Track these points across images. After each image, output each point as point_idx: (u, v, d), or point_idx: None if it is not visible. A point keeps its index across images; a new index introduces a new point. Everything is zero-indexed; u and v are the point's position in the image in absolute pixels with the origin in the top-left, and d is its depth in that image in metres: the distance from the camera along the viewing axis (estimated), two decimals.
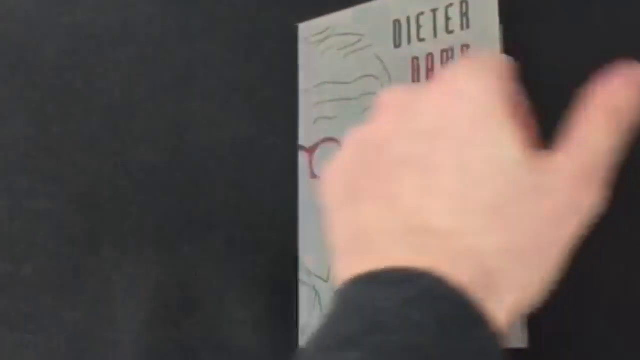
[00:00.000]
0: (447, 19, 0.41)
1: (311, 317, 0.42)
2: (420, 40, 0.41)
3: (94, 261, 0.43)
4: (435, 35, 0.41)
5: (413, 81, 0.41)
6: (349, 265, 0.29)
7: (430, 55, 0.41)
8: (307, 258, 0.43)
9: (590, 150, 0.28)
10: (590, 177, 0.27)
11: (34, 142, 0.44)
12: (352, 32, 0.44)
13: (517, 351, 0.40)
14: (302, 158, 0.44)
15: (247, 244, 0.44)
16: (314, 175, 0.44)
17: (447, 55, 0.40)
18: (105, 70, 0.45)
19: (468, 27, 0.40)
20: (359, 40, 0.44)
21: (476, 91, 0.28)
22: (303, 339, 0.42)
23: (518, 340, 0.41)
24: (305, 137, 0.45)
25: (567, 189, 0.27)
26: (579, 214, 0.27)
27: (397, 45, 0.42)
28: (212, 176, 0.44)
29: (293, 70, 0.46)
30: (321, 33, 0.45)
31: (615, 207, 0.41)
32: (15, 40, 0.46)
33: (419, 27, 0.42)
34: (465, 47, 0.40)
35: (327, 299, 0.41)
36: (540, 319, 0.42)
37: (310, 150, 0.44)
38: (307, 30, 0.46)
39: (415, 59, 0.41)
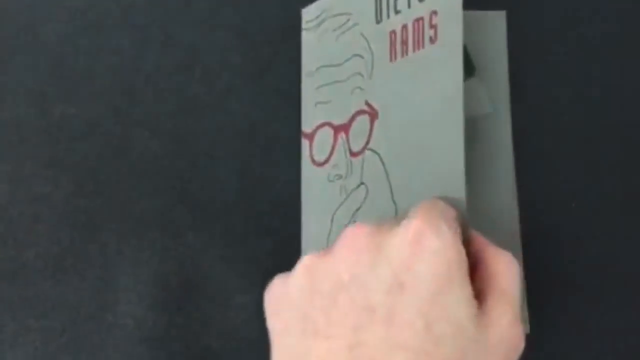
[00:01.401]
0: None
1: None
2: (397, 12, 0.39)
3: (96, 246, 0.43)
4: (409, 5, 0.39)
5: (391, 56, 0.39)
6: None
7: (404, 27, 0.39)
8: (309, 245, 0.42)
9: (513, 298, 0.31)
10: (519, 320, 0.31)
11: (35, 126, 0.45)
12: (343, 12, 0.43)
13: None
14: (304, 144, 0.44)
15: (249, 230, 0.44)
16: (313, 161, 0.43)
17: (419, 24, 0.38)
18: (107, 55, 0.46)
19: None
20: (348, 20, 0.42)
21: (439, 249, 0.29)
22: None
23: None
24: (306, 122, 0.44)
25: (508, 337, 0.30)
26: (518, 353, 0.31)
27: (379, 20, 0.40)
28: (215, 162, 0.44)
29: (297, 56, 0.46)
30: (318, 16, 0.45)
31: (617, 202, 0.41)
32: (16, 23, 0.46)
33: None
34: (433, 13, 0.37)
35: None
36: (543, 306, 0.42)
37: (311, 136, 0.44)
38: (308, 14, 0.45)
39: (393, 32, 0.39)
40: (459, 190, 0.34)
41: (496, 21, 0.45)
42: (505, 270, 0.32)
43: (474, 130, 0.44)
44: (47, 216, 0.43)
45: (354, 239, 0.31)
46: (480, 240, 0.33)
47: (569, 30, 0.45)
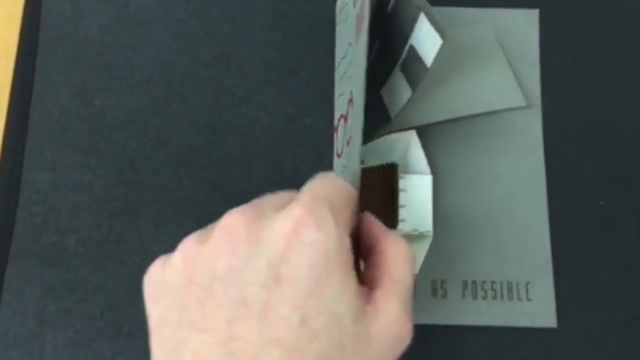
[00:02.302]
0: None
1: None
2: None
3: (134, 233, 0.44)
4: None
5: (355, 39, 0.38)
6: None
7: (362, 7, 0.37)
8: None
9: (403, 287, 0.29)
10: (408, 311, 0.29)
11: (76, 116, 0.45)
12: (347, 1, 0.42)
13: (546, 330, 0.41)
14: (334, 138, 0.44)
15: None
16: (337, 154, 0.44)
17: (363, 2, 0.36)
18: (145, 47, 0.46)
19: None
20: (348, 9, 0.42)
21: (318, 240, 0.27)
22: None
23: (548, 320, 0.41)
24: (335, 116, 0.45)
25: (393, 330, 0.28)
26: (403, 346, 0.29)
27: (354, 4, 0.39)
28: (249, 153, 0.45)
29: (330, 50, 0.46)
30: (341, 9, 0.45)
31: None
32: (58, 15, 0.47)
33: None
34: None
35: None
36: (570, 302, 0.42)
37: (336, 129, 0.44)
38: (338, 7, 0.46)
39: (357, 15, 0.38)
40: (355, 162, 0.31)
41: (529, 19, 0.45)
42: (397, 256, 0.30)
43: (506, 124, 0.44)
44: (88, 204, 0.44)
45: (231, 228, 0.29)
46: (373, 224, 0.31)
47: (601, 27, 0.45)
